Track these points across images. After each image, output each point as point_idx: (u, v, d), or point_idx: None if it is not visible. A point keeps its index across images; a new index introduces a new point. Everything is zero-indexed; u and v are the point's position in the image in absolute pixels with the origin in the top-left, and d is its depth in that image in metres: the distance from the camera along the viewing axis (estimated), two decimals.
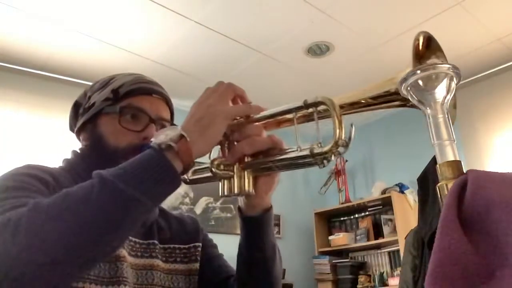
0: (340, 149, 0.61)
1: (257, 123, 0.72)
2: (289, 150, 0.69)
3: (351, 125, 0.62)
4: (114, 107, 0.85)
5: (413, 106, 0.58)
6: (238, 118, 0.72)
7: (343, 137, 0.61)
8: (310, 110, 0.65)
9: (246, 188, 0.71)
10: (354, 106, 0.65)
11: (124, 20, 2.64)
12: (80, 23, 2.64)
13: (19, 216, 0.55)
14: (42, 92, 3.06)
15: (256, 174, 0.74)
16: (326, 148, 0.62)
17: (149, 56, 3.04)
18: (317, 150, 0.63)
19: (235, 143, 0.72)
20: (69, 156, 0.89)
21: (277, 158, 0.69)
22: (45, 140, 2.90)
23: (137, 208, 0.58)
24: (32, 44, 2.80)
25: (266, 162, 0.71)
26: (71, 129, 0.94)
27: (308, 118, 0.68)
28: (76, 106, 0.92)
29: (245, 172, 0.72)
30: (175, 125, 0.91)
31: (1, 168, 0.76)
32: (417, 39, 0.54)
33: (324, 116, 0.65)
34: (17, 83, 2.99)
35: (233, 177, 0.71)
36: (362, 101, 0.65)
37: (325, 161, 0.63)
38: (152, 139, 0.83)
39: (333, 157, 0.63)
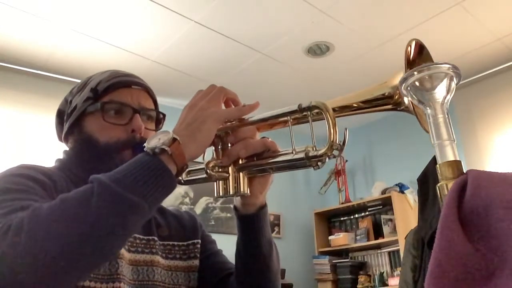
0: (335, 152, 0.62)
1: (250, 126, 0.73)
2: (283, 152, 0.71)
3: (346, 129, 0.64)
4: (95, 105, 0.85)
5: (404, 110, 0.60)
6: (230, 121, 0.72)
7: (337, 141, 0.62)
8: (304, 113, 0.67)
9: (241, 189, 0.73)
10: (347, 109, 0.67)
11: (124, 20, 2.64)
12: (80, 23, 2.64)
13: (19, 222, 0.55)
14: (42, 92, 3.05)
15: (250, 176, 0.75)
16: (321, 152, 0.63)
17: (149, 56, 3.04)
18: (312, 153, 0.65)
19: (229, 145, 0.73)
20: (61, 156, 0.89)
21: (272, 160, 0.71)
22: (45, 140, 2.89)
23: (136, 213, 0.59)
24: (32, 44, 2.80)
25: (261, 165, 0.72)
26: (59, 137, 0.94)
27: (302, 120, 0.69)
28: (60, 114, 0.92)
29: (240, 174, 0.73)
30: (161, 113, 0.92)
31: (1, 168, 0.75)
32: (409, 45, 0.55)
33: (318, 119, 0.66)
34: (17, 83, 2.99)
35: (228, 178, 0.72)
36: (355, 105, 0.67)
37: (319, 163, 0.65)
38: (141, 131, 0.84)
39: (327, 160, 0.64)
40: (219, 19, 2.68)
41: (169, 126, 0.94)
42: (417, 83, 0.50)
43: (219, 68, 3.22)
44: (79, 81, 0.96)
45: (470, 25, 2.79)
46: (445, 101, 0.50)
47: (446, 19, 2.71)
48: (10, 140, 2.84)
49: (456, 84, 0.50)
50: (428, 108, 0.51)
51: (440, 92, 0.50)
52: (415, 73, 0.50)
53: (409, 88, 0.51)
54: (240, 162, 0.73)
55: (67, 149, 0.90)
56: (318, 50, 3.05)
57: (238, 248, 0.84)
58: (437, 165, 0.49)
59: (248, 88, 3.48)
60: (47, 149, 2.80)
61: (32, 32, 2.68)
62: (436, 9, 2.63)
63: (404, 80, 0.51)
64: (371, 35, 2.89)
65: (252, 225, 0.81)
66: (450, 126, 0.50)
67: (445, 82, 0.49)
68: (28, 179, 0.71)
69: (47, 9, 2.49)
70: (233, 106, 0.75)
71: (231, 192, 0.72)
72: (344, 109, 0.67)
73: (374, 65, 3.22)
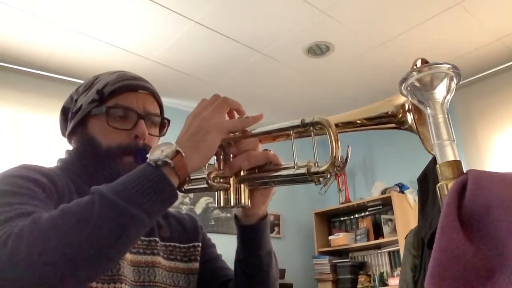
0: (337, 169, 0.62)
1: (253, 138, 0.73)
2: (285, 166, 0.71)
3: (348, 146, 0.63)
4: (100, 108, 0.84)
5: (407, 129, 0.60)
6: (233, 132, 0.72)
7: (339, 157, 0.62)
8: (307, 128, 0.67)
9: (243, 201, 0.73)
10: (350, 126, 0.67)
11: (124, 20, 2.64)
12: (80, 23, 2.64)
13: (19, 232, 0.55)
14: (42, 92, 3.06)
15: (251, 187, 0.75)
16: (323, 168, 0.63)
17: (149, 56, 3.04)
18: (314, 169, 0.64)
19: (231, 156, 0.73)
20: (63, 156, 0.89)
21: (274, 174, 0.71)
22: (45, 140, 2.90)
23: (136, 225, 0.59)
24: (32, 44, 2.80)
25: (262, 177, 0.72)
26: (63, 134, 0.94)
27: (304, 134, 0.69)
28: (64, 111, 0.92)
29: (241, 185, 0.73)
30: (165, 118, 0.92)
31: (1, 169, 0.75)
32: (414, 64, 0.55)
33: (320, 133, 0.66)
34: (17, 83, 2.99)
35: (229, 189, 0.72)
36: (358, 121, 0.67)
37: (321, 179, 0.65)
38: (145, 137, 0.83)
39: (329, 176, 0.64)
40: (219, 19, 2.68)
41: (169, 127, 0.94)
42: (417, 83, 0.50)
43: (219, 68, 3.22)
44: (79, 81, 0.95)
45: (470, 25, 2.78)
46: (445, 101, 0.50)
47: (446, 19, 2.71)
48: (10, 140, 2.84)
49: (456, 84, 0.50)
50: (428, 108, 0.51)
51: (440, 92, 0.50)
52: (415, 73, 0.50)
53: (409, 88, 0.51)
54: (242, 173, 0.73)
55: (70, 148, 0.90)
56: (318, 50, 3.05)
57: (238, 256, 0.84)
58: (437, 165, 0.49)
59: (248, 88, 3.48)
60: (47, 149, 2.80)
61: (32, 32, 2.68)
62: (436, 9, 2.63)
63: (404, 80, 0.51)
64: (371, 35, 2.89)
65: (253, 236, 0.81)
66: (450, 126, 0.50)
67: (445, 82, 0.49)
68: (29, 181, 0.70)
69: (47, 9, 2.49)
70: (236, 116, 0.75)
71: (232, 203, 0.72)
72: (347, 125, 0.67)
73: (374, 65, 3.22)
